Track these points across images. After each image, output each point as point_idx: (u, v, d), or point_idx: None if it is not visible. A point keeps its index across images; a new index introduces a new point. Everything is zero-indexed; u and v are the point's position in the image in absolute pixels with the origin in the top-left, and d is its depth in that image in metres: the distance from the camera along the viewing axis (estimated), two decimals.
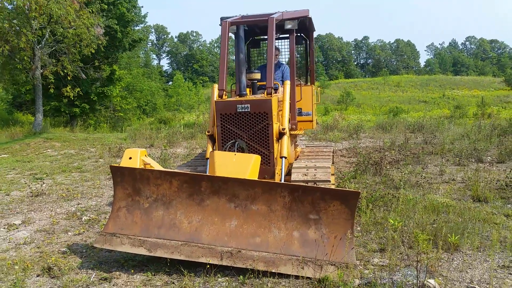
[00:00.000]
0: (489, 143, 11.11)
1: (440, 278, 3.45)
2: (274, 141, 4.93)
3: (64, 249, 4.60)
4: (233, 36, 5.72)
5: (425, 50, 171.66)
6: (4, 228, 5.49)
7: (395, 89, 72.34)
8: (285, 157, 4.82)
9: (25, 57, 14.49)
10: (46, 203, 6.85)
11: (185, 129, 18.32)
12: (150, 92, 44.39)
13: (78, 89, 16.98)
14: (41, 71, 16.18)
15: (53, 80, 15.54)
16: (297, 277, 3.54)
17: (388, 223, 3.91)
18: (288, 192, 3.85)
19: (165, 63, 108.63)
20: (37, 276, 3.90)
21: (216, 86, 5.31)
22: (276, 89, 5.55)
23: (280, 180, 4.78)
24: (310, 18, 6.56)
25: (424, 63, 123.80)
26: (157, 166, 4.72)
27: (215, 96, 5.20)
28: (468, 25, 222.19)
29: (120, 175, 4.20)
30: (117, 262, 4.16)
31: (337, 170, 8.46)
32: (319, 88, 8.27)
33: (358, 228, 4.83)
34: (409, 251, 4.03)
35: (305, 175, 5.05)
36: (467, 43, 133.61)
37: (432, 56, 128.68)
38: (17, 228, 5.49)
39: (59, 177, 9.15)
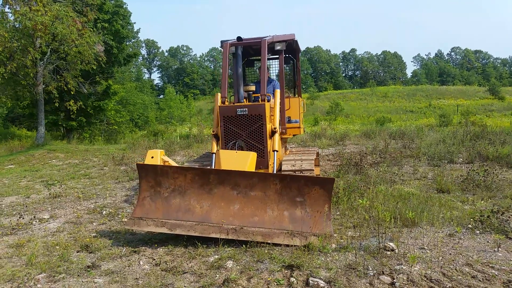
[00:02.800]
0: (462, 147, 12.21)
1: (398, 243, 4.45)
2: (268, 138, 6.05)
3: (94, 234, 5.52)
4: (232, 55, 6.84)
5: (412, 61, 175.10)
6: (36, 221, 6.39)
7: (383, 99, 74.11)
8: (277, 151, 5.95)
9: (31, 74, 15.38)
10: (65, 202, 7.75)
11: (181, 140, 19.27)
12: (143, 105, 45.36)
13: (80, 102, 17.92)
14: (43, 86, 17.11)
15: (57, 95, 16.45)
16: (287, 245, 4.52)
17: (359, 204, 4.91)
18: (279, 181, 4.87)
19: (155, 77, 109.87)
20: (77, 252, 4.82)
21: (219, 94, 6.44)
22: (268, 101, 6.62)
23: (273, 170, 5.85)
24: (296, 41, 7.69)
25: (411, 74, 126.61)
26: (173, 163, 5.69)
27: (219, 102, 6.31)
28: (453, 36, 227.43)
29: (144, 171, 5.18)
30: (141, 240, 5.11)
31: (323, 171, 9.48)
32: (305, 100, 9.42)
33: (338, 213, 5.84)
34: (376, 227, 5.03)
35: (293, 166, 6.12)
36: (452, 53, 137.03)
37: (418, 67, 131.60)
38: (47, 221, 6.39)
39: (70, 183, 10.03)
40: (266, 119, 6.01)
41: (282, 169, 6.20)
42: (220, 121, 6.17)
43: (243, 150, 5.94)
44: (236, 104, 6.24)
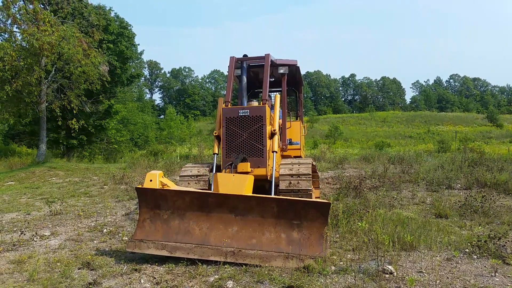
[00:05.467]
0: (460, 173, 12.30)
1: (397, 266, 4.51)
2: (267, 139, 6.32)
3: (94, 252, 5.56)
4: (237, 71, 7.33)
5: (411, 87, 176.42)
6: (37, 238, 6.42)
7: (382, 124, 74.52)
8: (276, 152, 6.21)
9: (35, 92, 15.59)
10: (66, 220, 7.78)
11: (181, 160, 19.34)
12: (144, 125, 45.60)
13: (83, 121, 18.09)
14: (46, 104, 17.30)
15: (60, 114, 16.63)
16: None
17: (358, 226, 4.99)
18: (276, 204, 4.95)
19: (157, 97, 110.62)
20: (79, 269, 4.86)
21: (222, 99, 6.84)
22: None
23: (272, 172, 6.05)
24: (300, 71, 7.97)
25: (410, 100, 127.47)
26: (172, 184, 5.76)
27: (222, 105, 6.66)
28: (452, 64, 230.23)
29: (144, 194, 5.29)
30: (142, 259, 5.15)
31: (322, 194, 9.54)
32: (306, 123, 9.70)
33: (337, 235, 5.90)
34: (375, 250, 5.08)
35: (291, 170, 6.23)
36: (451, 80, 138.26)
37: (417, 93, 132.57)
38: (48, 238, 6.43)
39: (70, 201, 10.06)
40: (266, 121, 6.32)
41: (280, 173, 6.33)
42: (223, 122, 6.48)
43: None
44: (238, 106, 6.64)
